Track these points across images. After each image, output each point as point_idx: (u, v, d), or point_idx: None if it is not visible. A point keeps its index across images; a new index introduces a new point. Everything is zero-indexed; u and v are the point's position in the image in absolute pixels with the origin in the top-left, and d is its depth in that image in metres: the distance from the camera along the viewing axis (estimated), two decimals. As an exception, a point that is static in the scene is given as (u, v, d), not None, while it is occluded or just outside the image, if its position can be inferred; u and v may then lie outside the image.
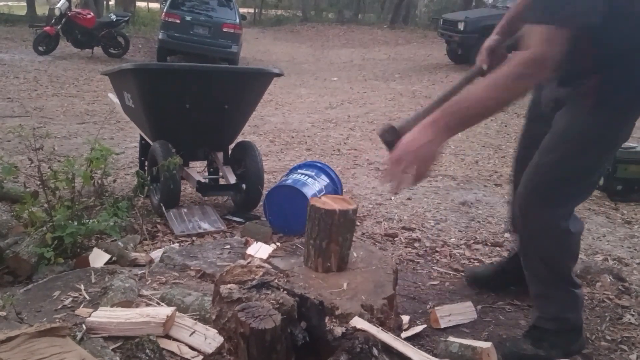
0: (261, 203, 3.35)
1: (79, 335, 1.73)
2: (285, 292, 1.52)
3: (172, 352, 1.72)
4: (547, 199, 1.90)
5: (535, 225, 1.95)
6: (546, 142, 1.92)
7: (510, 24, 2.13)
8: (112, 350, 1.67)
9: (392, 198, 3.97)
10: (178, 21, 11.78)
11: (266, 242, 2.68)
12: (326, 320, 1.51)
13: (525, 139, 2.26)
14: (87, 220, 2.62)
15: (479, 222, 3.57)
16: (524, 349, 1.97)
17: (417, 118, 1.82)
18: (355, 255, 1.97)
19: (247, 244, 2.75)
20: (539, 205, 1.91)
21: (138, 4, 24.59)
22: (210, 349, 1.72)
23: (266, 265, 1.74)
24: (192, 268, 2.43)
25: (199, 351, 1.73)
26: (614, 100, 1.81)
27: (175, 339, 1.77)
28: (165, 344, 1.74)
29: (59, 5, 11.71)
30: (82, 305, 2.01)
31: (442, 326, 2.12)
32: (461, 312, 2.20)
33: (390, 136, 1.80)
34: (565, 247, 1.98)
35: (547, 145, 1.91)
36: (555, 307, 1.99)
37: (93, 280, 2.21)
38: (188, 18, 11.85)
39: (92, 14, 12.31)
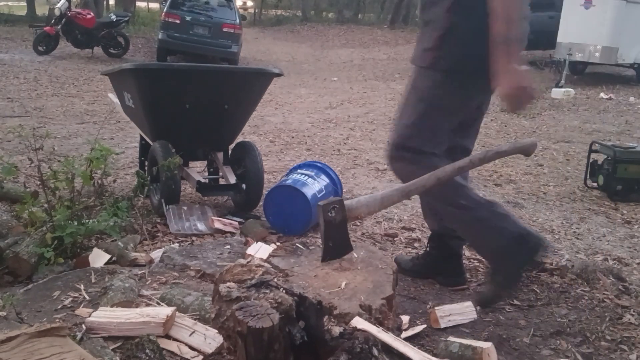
0: (261, 203, 3.35)
1: (79, 335, 1.73)
2: (284, 291, 1.52)
3: (172, 352, 1.72)
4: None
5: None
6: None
7: None
8: (112, 350, 1.68)
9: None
10: (178, 21, 11.78)
11: (264, 239, 2.68)
12: (324, 320, 1.51)
13: None
14: (87, 220, 2.62)
15: (478, 222, 3.57)
16: (488, 291, 2.14)
17: (371, 203, 1.90)
18: (355, 255, 1.97)
19: (247, 244, 2.75)
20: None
21: (138, 4, 24.58)
22: (210, 348, 1.72)
23: (266, 264, 1.74)
24: (192, 268, 2.43)
25: (199, 351, 1.73)
26: (446, 62, 2.05)
27: (175, 339, 1.77)
28: (165, 344, 1.74)
29: (58, 5, 11.72)
30: (82, 305, 2.01)
31: (442, 326, 2.11)
32: (461, 312, 2.20)
33: (337, 213, 1.84)
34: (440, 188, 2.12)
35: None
36: (488, 241, 2.13)
37: (93, 280, 2.22)
38: (188, 18, 11.85)
39: (92, 14, 12.32)
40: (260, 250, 2.55)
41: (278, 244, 2.85)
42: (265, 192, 3.36)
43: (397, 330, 1.94)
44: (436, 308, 2.19)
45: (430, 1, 2.11)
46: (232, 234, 3.04)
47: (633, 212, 3.96)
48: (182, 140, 3.35)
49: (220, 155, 3.59)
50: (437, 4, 2.07)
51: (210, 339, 1.75)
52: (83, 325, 1.78)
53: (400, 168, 2.27)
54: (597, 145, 4.47)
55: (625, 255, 3.10)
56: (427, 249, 2.59)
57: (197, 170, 3.75)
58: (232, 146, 3.65)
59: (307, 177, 3.21)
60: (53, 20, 12.05)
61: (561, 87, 9.83)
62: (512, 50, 1.93)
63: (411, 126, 2.19)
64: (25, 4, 22.24)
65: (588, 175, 4.47)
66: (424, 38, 2.15)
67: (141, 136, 3.69)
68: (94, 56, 12.16)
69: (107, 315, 1.79)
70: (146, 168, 3.50)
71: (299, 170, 3.33)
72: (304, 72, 12.02)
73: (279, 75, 3.47)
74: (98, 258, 2.46)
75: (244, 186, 3.43)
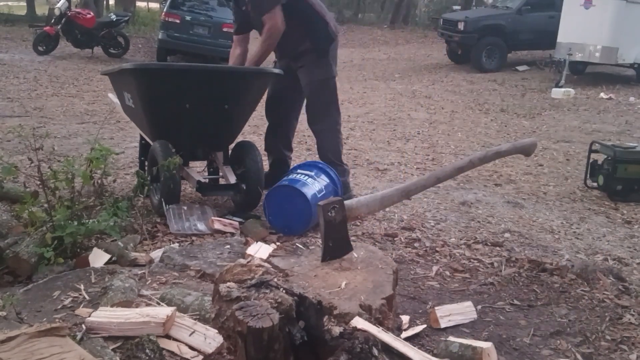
0: (261, 203, 3.35)
1: (79, 335, 1.73)
2: (284, 291, 1.52)
3: (172, 352, 1.72)
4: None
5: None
6: (306, 87, 3.59)
7: None
8: (112, 350, 1.68)
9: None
10: (178, 21, 11.77)
11: (264, 239, 2.68)
12: (324, 320, 1.51)
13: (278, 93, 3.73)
14: (87, 220, 2.62)
15: (478, 222, 3.57)
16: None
17: (371, 203, 1.92)
18: (355, 255, 1.97)
19: (247, 244, 2.76)
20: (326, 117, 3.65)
21: (138, 3, 24.57)
22: (210, 348, 1.73)
23: (266, 264, 1.74)
24: (192, 268, 2.43)
25: (198, 351, 1.73)
26: (321, 46, 3.49)
27: (175, 339, 1.77)
28: (165, 343, 1.74)
29: (58, 5, 11.72)
30: (82, 305, 2.01)
31: (442, 326, 2.12)
32: (461, 312, 2.20)
33: (337, 213, 1.85)
34: None
35: (308, 88, 3.59)
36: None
37: (93, 280, 2.22)
38: (188, 18, 11.84)
39: (92, 13, 12.32)
40: (260, 250, 2.56)
41: (278, 244, 2.86)
42: (265, 192, 3.36)
43: (397, 330, 1.94)
44: (436, 308, 2.19)
45: None
46: (232, 234, 3.04)
47: (633, 212, 3.96)
48: (182, 140, 3.35)
49: (220, 155, 3.59)
50: None
51: (210, 338, 1.75)
52: (83, 325, 1.78)
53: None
54: (597, 145, 4.47)
55: (625, 255, 3.10)
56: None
57: (197, 170, 3.75)
58: (232, 146, 3.66)
59: (307, 177, 3.21)
60: (53, 20, 12.05)
61: (561, 87, 9.83)
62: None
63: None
64: (25, 3, 22.24)
65: (588, 175, 4.47)
66: None
67: (141, 136, 3.69)
68: (94, 56, 12.16)
69: (107, 315, 1.79)
70: (146, 168, 3.49)
71: (299, 170, 3.33)
72: (304, 72, 12.04)
73: (279, 75, 3.47)
74: (98, 258, 2.46)
75: (244, 186, 3.43)
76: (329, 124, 3.65)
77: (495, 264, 2.80)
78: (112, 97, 4.04)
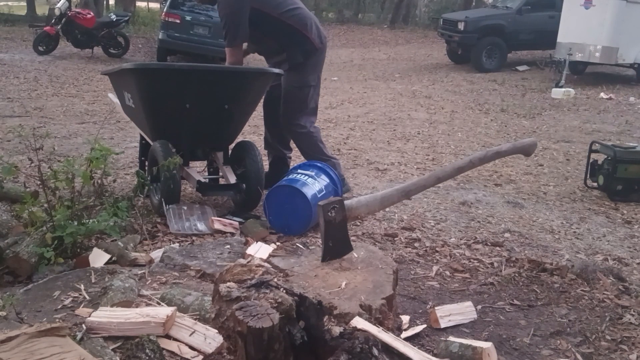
0: (261, 203, 3.35)
1: (79, 335, 1.73)
2: (284, 291, 1.52)
3: (172, 352, 1.72)
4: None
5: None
6: (282, 92, 3.67)
7: None
8: (112, 350, 1.68)
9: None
10: (178, 21, 11.75)
11: (264, 239, 2.67)
12: (324, 320, 1.51)
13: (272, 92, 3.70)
14: (87, 220, 2.62)
15: (478, 222, 3.57)
16: None
17: (371, 203, 1.92)
18: (355, 255, 1.97)
19: (247, 244, 2.76)
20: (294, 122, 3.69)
21: (138, 3, 24.54)
22: (210, 348, 1.73)
23: (266, 264, 1.74)
24: (192, 268, 2.43)
25: (199, 351, 1.73)
26: (295, 61, 3.59)
27: (175, 339, 1.77)
28: (165, 343, 1.74)
29: (59, 5, 11.71)
30: (82, 305, 2.01)
31: (442, 326, 2.12)
32: (461, 312, 2.20)
33: (337, 213, 1.84)
34: None
35: (285, 94, 3.67)
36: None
37: (93, 280, 2.22)
38: (188, 18, 11.82)
39: (92, 13, 12.31)
40: (260, 250, 2.55)
41: (278, 244, 2.85)
42: (265, 192, 3.36)
43: (397, 330, 1.94)
44: (436, 308, 2.19)
45: None
46: (232, 234, 3.04)
47: (633, 212, 3.96)
48: (182, 140, 3.35)
49: (220, 155, 3.59)
50: None
51: (210, 338, 1.75)
52: (83, 325, 1.78)
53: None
54: (597, 145, 4.47)
55: (625, 255, 3.10)
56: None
57: (197, 170, 3.75)
58: (232, 146, 3.66)
59: (307, 177, 3.21)
60: (53, 20, 12.05)
61: (561, 87, 9.82)
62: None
63: None
64: (25, 3, 22.24)
65: (588, 175, 4.46)
66: None
67: (141, 136, 3.69)
68: (94, 56, 12.16)
69: (107, 315, 1.79)
70: (146, 168, 3.49)
71: (299, 170, 3.33)
72: (304, 72, 12.01)
73: (279, 75, 3.47)
74: (98, 258, 2.46)
75: (244, 186, 3.43)
76: (297, 129, 3.71)
77: (495, 264, 2.80)
78: (112, 97, 4.04)
